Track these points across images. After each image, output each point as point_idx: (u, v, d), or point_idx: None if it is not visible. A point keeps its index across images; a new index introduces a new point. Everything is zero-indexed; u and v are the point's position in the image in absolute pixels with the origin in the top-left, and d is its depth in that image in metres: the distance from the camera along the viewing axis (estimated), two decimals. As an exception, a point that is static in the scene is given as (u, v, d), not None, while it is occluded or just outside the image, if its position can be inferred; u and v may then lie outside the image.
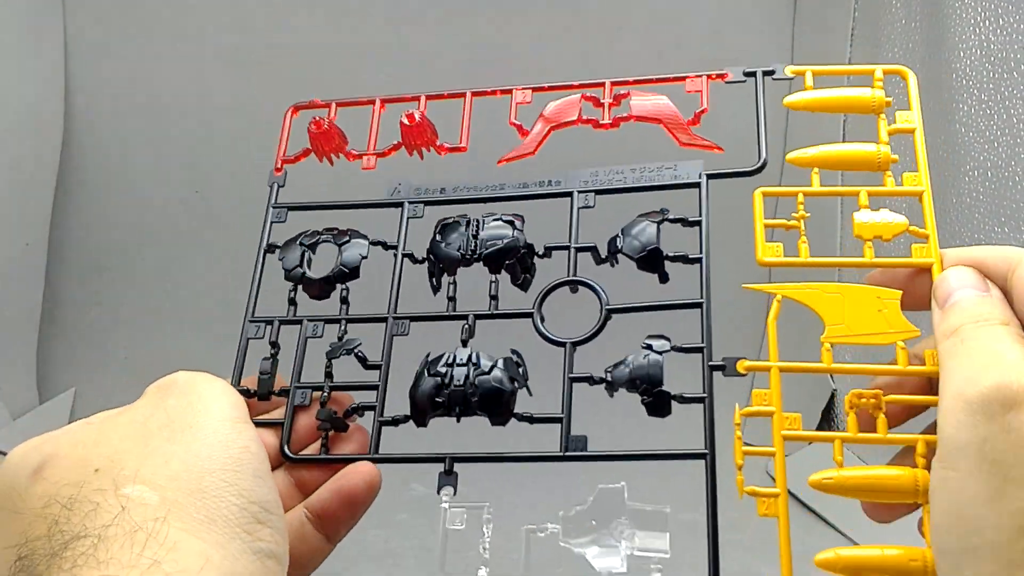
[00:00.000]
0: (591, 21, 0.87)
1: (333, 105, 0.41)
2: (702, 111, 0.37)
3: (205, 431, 0.29)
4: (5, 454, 0.79)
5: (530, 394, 0.33)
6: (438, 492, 0.33)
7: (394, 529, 0.65)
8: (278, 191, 0.40)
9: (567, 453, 0.32)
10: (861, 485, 0.29)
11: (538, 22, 0.87)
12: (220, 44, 0.87)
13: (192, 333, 0.86)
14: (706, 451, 0.31)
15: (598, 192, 0.36)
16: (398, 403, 0.34)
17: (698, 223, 0.34)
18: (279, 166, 0.40)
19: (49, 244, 0.86)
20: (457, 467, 0.33)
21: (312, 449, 0.35)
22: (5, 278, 0.80)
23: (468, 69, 0.85)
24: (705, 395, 0.31)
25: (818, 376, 0.72)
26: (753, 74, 0.37)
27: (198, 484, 0.27)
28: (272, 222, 0.39)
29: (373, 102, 0.40)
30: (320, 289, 0.37)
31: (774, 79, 0.37)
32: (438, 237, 0.37)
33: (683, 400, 0.32)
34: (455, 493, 0.33)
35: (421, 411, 0.33)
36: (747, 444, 0.31)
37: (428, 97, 0.40)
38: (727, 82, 0.37)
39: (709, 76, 0.37)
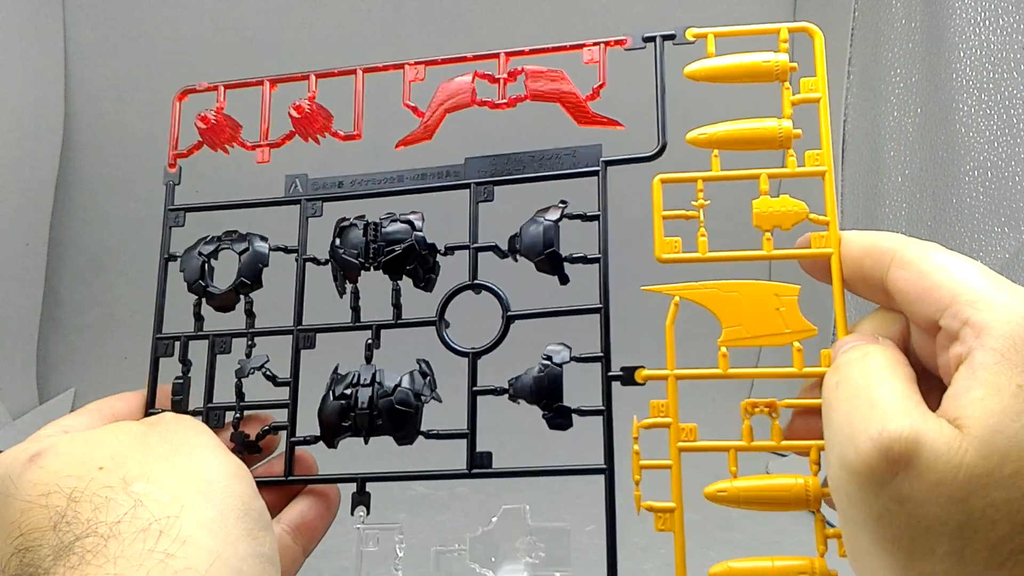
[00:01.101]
0: (589, 18, 0.87)
1: (221, 88, 0.38)
2: (600, 86, 0.34)
3: (203, 448, 0.29)
4: (5, 454, 0.78)
5: (439, 401, 0.33)
6: (351, 513, 0.33)
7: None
8: (174, 191, 0.37)
9: (472, 471, 0.32)
10: (754, 497, 0.28)
11: (536, 19, 0.87)
12: (220, 44, 0.87)
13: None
14: (604, 467, 0.30)
15: (495, 183, 0.34)
16: (312, 418, 0.34)
17: (596, 218, 0.32)
18: (172, 162, 0.37)
19: (49, 244, 0.86)
20: (370, 486, 0.33)
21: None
22: (5, 278, 0.80)
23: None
24: (603, 408, 0.31)
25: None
26: (653, 39, 0.34)
27: (206, 487, 0.27)
28: (171, 227, 0.37)
29: (262, 83, 0.38)
30: (224, 301, 0.36)
31: (675, 44, 0.34)
32: (337, 241, 0.35)
33: (582, 413, 0.31)
34: (368, 513, 0.33)
35: (330, 434, 0.33)
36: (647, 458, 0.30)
37: (318, 75, 0.37)
38: (626, 49, 0.34)
39: (607, 43, 0.34)
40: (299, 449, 0.34)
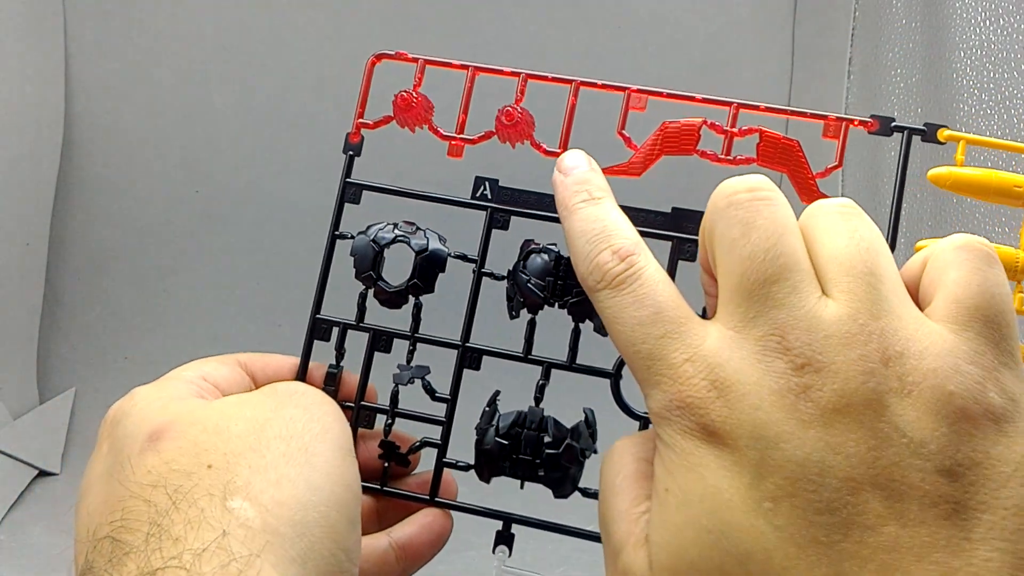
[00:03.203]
0: (590, 19, 0.87)
1: (420, 63, 0.35)
2: (835, 166, 0.31)
3: (320, 459, 0.27)
4: (6, 454, 0.78)
5: (595, 452, 0.32)
6: (493, 551, 0.32)
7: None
8: (353, 163, 0.35)
9: None
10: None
11: (535, 19, 0.87)
12: (220, 44, 0.87)
13: (192, 333, 0.86)
14: None
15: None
16: (459, 439, 0.33)
17: None
18: (355, 131, 0.35)
19: (49, 244, 0.86)
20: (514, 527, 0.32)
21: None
22: (5, 278, 0.80)
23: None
24: None
25: None
26: (901, 130, 0.31)
27: (302, 516, 0.25)
28: (345, 202, 0.34)
29: (466, 68, 0.34)
30: (393, 298, 0.33)
31: (923, 141, 0.31)
32: (522, 265, 0.33)
33: None
34: (510, 555, 0.32)
35: (488, 470, 0.32)
36: None
37: (528, 76, 0.34)
38: (869, 132, 0.32)
39: (850, 122, 0.32)
40: (445, 472, 0.33)
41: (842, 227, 0.24)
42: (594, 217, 0.27)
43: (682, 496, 0.22)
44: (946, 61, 0.64)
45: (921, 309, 0.24)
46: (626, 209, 0.29)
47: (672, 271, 0.31)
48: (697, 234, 0.28)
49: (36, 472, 0.77)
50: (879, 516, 0.20)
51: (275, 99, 0.87)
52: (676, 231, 0.31)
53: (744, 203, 0.24)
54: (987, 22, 0.60)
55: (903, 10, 0.71)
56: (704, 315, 0.28)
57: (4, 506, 0.73)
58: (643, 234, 0.30)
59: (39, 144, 0.84)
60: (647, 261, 0.26)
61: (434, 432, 0.33)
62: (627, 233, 0.27)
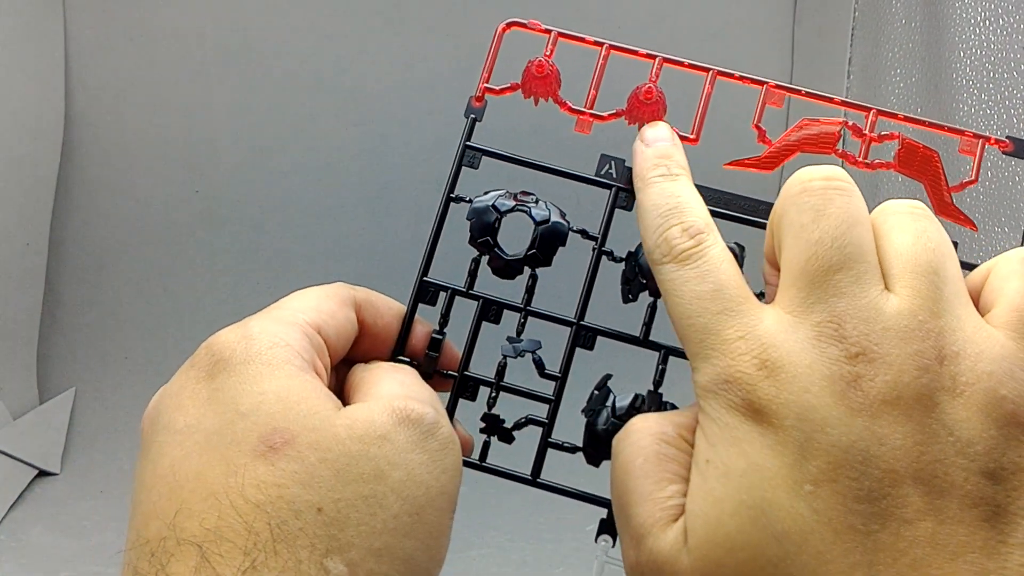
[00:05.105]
0: (590, 19, 0.87)
1: (553, 34, 0.34)
2: (971, 181, 0.31)
3: (426, 530, 0.25)
4: (6, 454, 0.78)
5: None
6: (596, 540, 0.30)
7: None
8: (474, 126, 0.33)
9: None
10: None
11: (534, 18, 0.87)
12: (220, 44, 0.87)
13: (192, 333, 0.86)
14: None
15: None
16: (564, 419, 0.32)
17: None
18: (480, 95, 0.34)
19: (49, 244, 0.86)
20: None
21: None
22: (5, 278, 0.80)
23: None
24: None
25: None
26: None
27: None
28: (463, 165, 0.33)
29: (601, 45, 0.34)
30: (508, 267, 0.32)
31: None
32: None
33: None
34: (613, 545, 0.30)
35: (597, 452, 0.31)
36: None
37: (664, 60, 0.33)
38: (1004, 153, 0.32)
39: (987, 140, 0.32)
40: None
41: (911, 226, 0.24)
42: (669, 192, 0.28)
43: (723, 469, 0.22)
44: (946, 61, 0.64)
45: (982, 315, 0.24)
46: (753, 201, 0.29)
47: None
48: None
49: (36, 472, 0.77)
50: (918, 511, 0.21)
51: (275, 99, 0.87)
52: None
53: (818, 190, 0.24)
54: (987, 22, 0.60)
55: (903, 10, 0.71)
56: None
57: (4, 506, 0.73)
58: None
59: (39, 144, 0.84)
60: (715, 241, 0.26)
61: (539, 410, 0.32)
62: (699, 212, 0.27)
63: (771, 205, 0.29)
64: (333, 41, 0.87)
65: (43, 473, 0.78)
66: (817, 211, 0.24)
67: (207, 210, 0.89)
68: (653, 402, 0.31)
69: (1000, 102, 0.59)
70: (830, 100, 0.32)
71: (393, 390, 0.28)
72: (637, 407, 0.31)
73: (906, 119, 0.32)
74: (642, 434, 0.26)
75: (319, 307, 0.29)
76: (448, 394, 0.32)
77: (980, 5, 0.60)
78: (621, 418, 0.30)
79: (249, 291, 0.88)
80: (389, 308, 0.31)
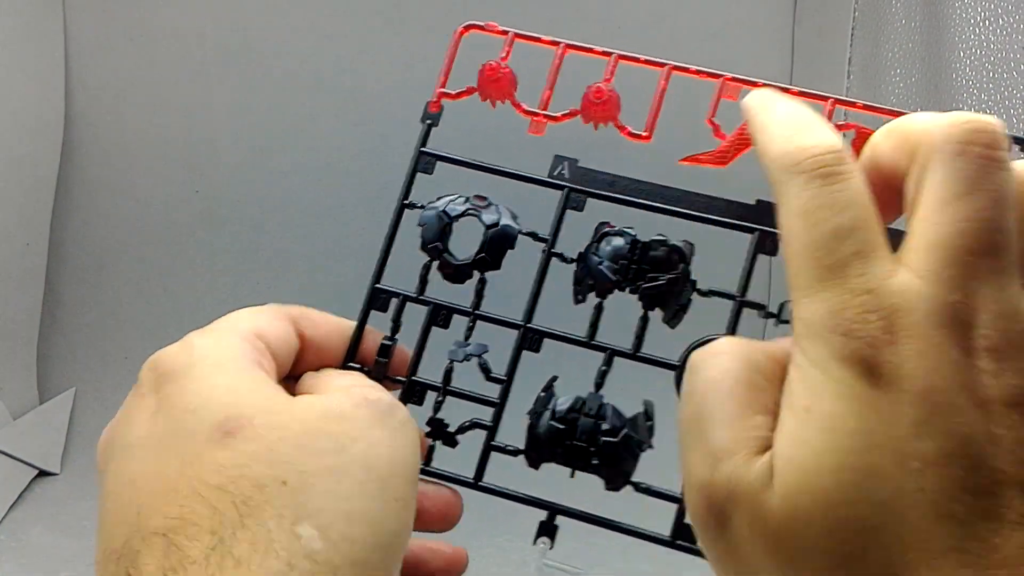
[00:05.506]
0: (590, 19, 0.87)
1: (510, 35, 0.34)
2: None
3: (392, 496, 0.25)
4: (6, 454, 0.78)
5: (651, 448, 0.31)
6: (534, 542, 0.30)
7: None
8: (430, 132, 0.33)
9: (676, 540, 0.29)
10: None
11: (535, 20, 0.87)
12: (220, 44, 0.87)
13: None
14: None
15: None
16: (507, 424, 0.31)
17: None
18: (436, 100, 0.34)
19: (49, 244, 0.86)
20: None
21: None
22: (5, 278, 0.80)
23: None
24: None
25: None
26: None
27: (364, 557, 0.24)
28: (418, 171, 0.33)
29: (556, 45, 0.33)
30: (457, 271, 0.32)
31: None
32: (595, 247, 0.31)
33: None
34: (552, 547, 0.30)
35: (538, 455, 0.30)
36: None
37: (619, 57, 0.33)
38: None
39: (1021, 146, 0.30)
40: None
41: None
42: (802, 110, 0.25)
43: (828, 422, 0.21)
44: (946, 61, 0.64)
45: (905, 204, 0.23)
46: (705, 197, 0.28)
47: (751, 265, 0.30)
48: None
49: (36, 472, 0.77)
50: (1021, 515, 0.20)
51: (275, 99, 0.87)
52: (758, 224, 0.30)
53: (975, 158, 0.22)
54: (987, 22, 0.60)
55: (903, 10, 0.71)
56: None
57: (4, 506, 0.73)
58: (725, 225, 0.30)
59: (39, 144, 0.84)
60: (857, 170, 0.23)
61: (484, 413, 0.32)
62: (836, 137, 0.23)
63: (725, 201, 0.28)
64: (333, 41, 0.87)
65: (43, 473, 0.78)
66: (972, 183, 0.22)
67: (207, 210, 0.89)
68: (593, 404, 0.30)
69: (1000, 102, 0.58)
70: (787, 91, 0.31)
71: (347, 382, 0.28)
72: (578, 409, 0.30)
73: (865, 107, 0.31)
74: (731, 356, 0.24)
75: (255, 319, 0.29)
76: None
77: (980, 5, 0.60)
78: (560, 421, 0.30)
79: (249, 291, 0.88)
80: (326, 320, 0.31)
